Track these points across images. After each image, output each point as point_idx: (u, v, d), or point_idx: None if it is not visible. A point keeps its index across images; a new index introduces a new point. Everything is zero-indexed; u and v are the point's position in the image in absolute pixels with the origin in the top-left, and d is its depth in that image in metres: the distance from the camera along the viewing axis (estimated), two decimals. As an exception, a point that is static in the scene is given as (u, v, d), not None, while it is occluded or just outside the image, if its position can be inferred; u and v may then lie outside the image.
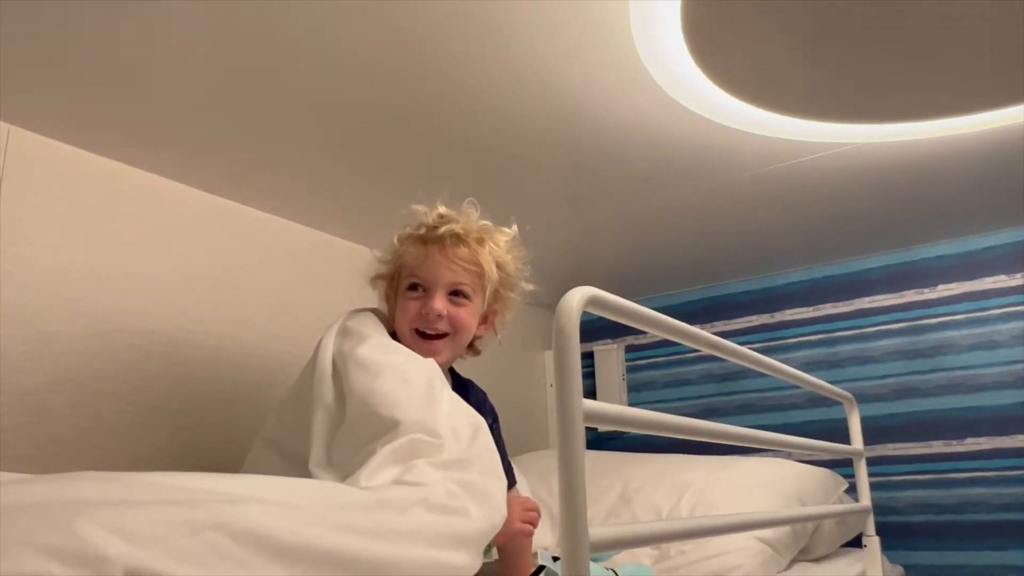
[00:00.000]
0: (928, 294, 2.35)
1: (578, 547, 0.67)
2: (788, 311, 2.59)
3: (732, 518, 1.10)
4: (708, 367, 2.69)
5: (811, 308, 2.55)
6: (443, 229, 1.24)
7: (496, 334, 1.38)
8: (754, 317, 2.65)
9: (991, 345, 2.23)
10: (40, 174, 1.45)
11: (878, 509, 1.93)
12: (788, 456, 2.26)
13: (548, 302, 0.88)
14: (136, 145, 1.53)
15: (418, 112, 1.47)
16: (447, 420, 1.03)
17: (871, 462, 2.23)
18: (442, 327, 1.25)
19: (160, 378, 1.59)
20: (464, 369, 1.41)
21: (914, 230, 2.27)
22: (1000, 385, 2.19)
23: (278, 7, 1.14)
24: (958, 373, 2.26)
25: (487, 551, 1.08)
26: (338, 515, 0.73)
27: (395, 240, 1.31)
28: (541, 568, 1.21)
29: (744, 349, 1.19)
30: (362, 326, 1.19)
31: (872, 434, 2.24)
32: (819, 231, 2.24)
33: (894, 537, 2.21)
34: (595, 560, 1.48)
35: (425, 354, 1.18)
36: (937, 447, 2.26)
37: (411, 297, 1.26)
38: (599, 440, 2.77)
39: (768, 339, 2.59)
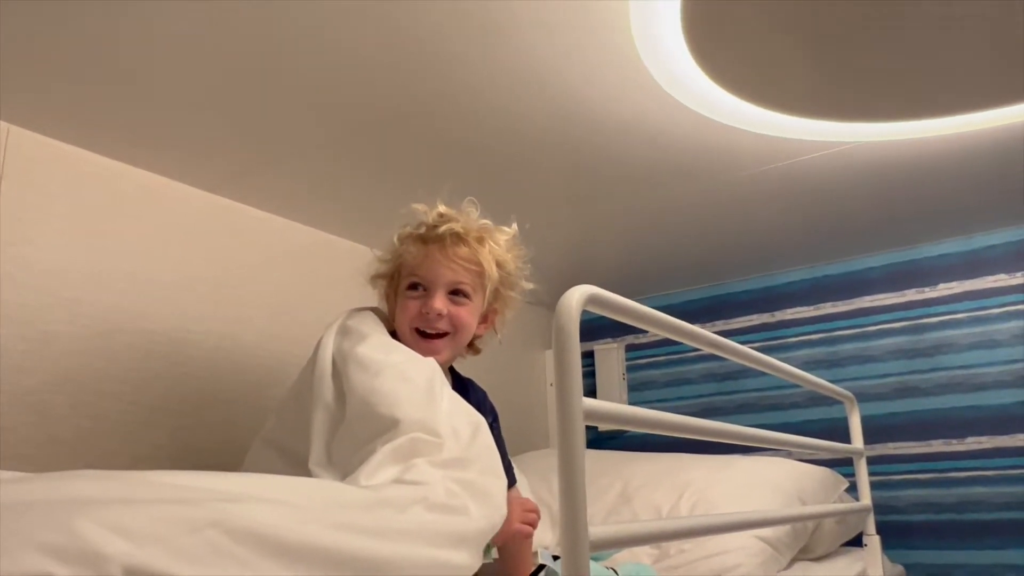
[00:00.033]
0: (928, 293, 2.35)
1: (578, 546, 0.67)
2: (788, 310, 2.59)
3: (732, 517, 1.10)
4: (708, 366, 2.69)
5: (811, 307, 2.55)
6: (443, 228, 1.24)
7: (496, 333, 1.38)
8: (754, 316, 2.65)
9: (991, 344, 2.22)
10: (40, 173, 1.46)
11: (878, 508, 1.93)
12: (788, 455, 2.26)
13: (548, 301, 0.88)
14: (136, 145, 1.53)
15: (418, 112, 1.47)
16: (447, 419, 1.03)
17: (871, 461, 2.23)
18: (442, 326, 1.25)
19: (160, 378, 1.59)
20: (464, 368, 1.41)
21: (914, 229, 2.27)
22: (1000, 384, 2.19)
23: (278, 7, 1.14)
24: (958, 372, 2.26)
25: (487, 551, 1.08)
26: (338, 514, 0.73)
27: (395, 239, 1.31)
28: (541, 567, 1.21)
29: (744, 348, 1.19)
30: (362, 325, 1.19)
31: (872, 433, 2.24)
32: (819, 230, 2.24)
33: (894, 536, 2.21)
34: (595, 559, 1.48)
35: (425, 353, 1.18)
36: (937, 446, 2.26)
37: (411, 296, 1.26)
38: (599, 439, 2.77)
39: (768, 338, 2.59)
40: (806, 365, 2.46)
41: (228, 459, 1.52)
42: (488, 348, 1.40)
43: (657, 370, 2.80)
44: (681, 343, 1.04)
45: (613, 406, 0.77)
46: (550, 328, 0.74)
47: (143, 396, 1.55)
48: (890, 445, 2.32)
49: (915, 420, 2.30)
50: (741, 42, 1.29)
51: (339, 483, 0.92)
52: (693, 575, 1.57)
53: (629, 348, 2.86)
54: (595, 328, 2.86)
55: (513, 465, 1.42)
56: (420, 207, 1.30)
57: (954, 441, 2.23)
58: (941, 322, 2.31)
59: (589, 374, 2.85)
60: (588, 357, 2.86)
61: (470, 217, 1.29)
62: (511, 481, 1.28)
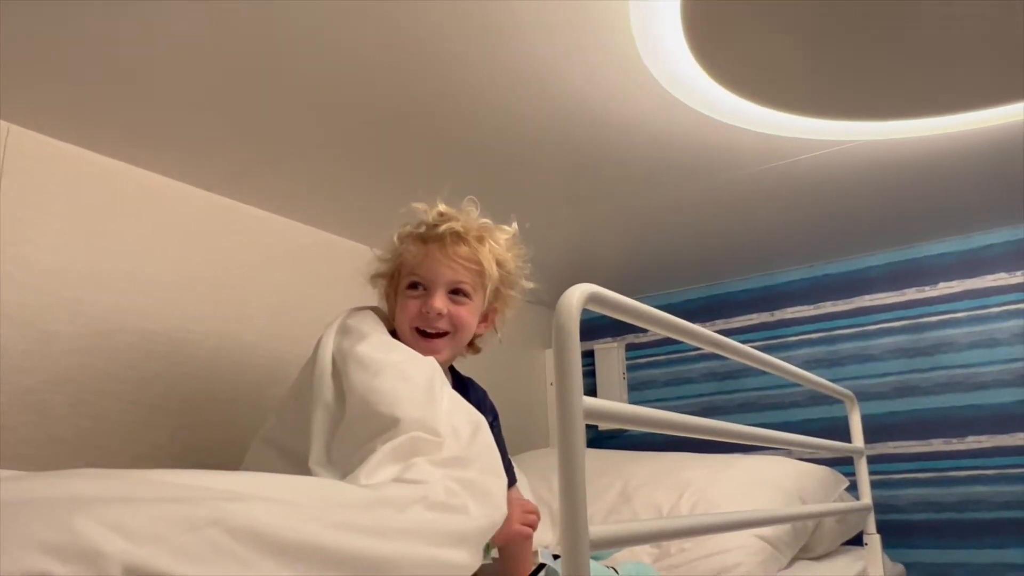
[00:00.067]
0: (928, 292, 2.35)
1: (578, 545, 0.67)
2: (789, 309, 2.59)
3: (732, 516, 1.10)
4: (708, 365, 2.68)
5: (812, 306, 2.55)
6: (443, 227, 1.24)
7: (496, 332, 1.38)
8: (754, 315, 2.65)
9: (991, 343, 2.22)
10: (40, 173, 1.46)
11: (879, 507, 1.93)
12: (789, 454, 2.26)
13: (548, 300, 0.88)
14: (136, 144, 1.53)
15: (418, 112, 1.47)
16: (447, 418, 1.03)
17: (872, 460, 2.23)
18: (442, 326, 1.25)
19: (160, 377, 1.59)
20: (464, 367, 1.41)
21: (914, 228, 2.27)
22: (1000, 383, 2.19)
23: (278, 7, 1.14)
24: (958, 371, 2.26)
25: (486, 551, 1.08)
26: (338, 513, 0.74)
27: (395, 238, 1.31)
28: (541, 566, 1.21)
29: (745, 347, 1.19)
30: (362, 324, 1.19)
31: (873, 432, 2.24)
32: (819, 229, 2.24)
33: (895, 535, 2.21)
34: (595, 558, 1.48)
35: (425, 352, 1.18)
36: (937, 445, 2.26)
37: (411, 296, 1.26)
38: (599, 438, 2.77)
39: (769, 337, 2.59)
40: (806, 364, 2.46)
41: (228, 458, 1.52)
42: (488, 347, 1.40)
43: (657, 369, 2.80)
44: (681, 342, 1.04)
45: (613, 405, 0.77)
46: (550, 327, 0.74)
47: (143, 396, 1.55)
48: (890, 444, 2.32)
49: (915, 419, 2.30)
50: (741, 41, 1.30)
51: (339, 482, 0.92)
52: (693, 574, 1.57)
53: (629, 347, 2.86)
54: (595, 327, 2.86)
55: (513, 464, 1.42)
56: (420, 206, 1.29)
57: (954, 440, 2.23)
58: (941, 321, 2.31)
59: (589, 373, 2.85)
60: (588, 356, 2.86)
61: (470, 216, 1.29)
62: (511, 480, 1.28)
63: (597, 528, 0.69)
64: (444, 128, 1.54)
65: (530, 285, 1.36)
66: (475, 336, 1.33)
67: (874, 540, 1.72)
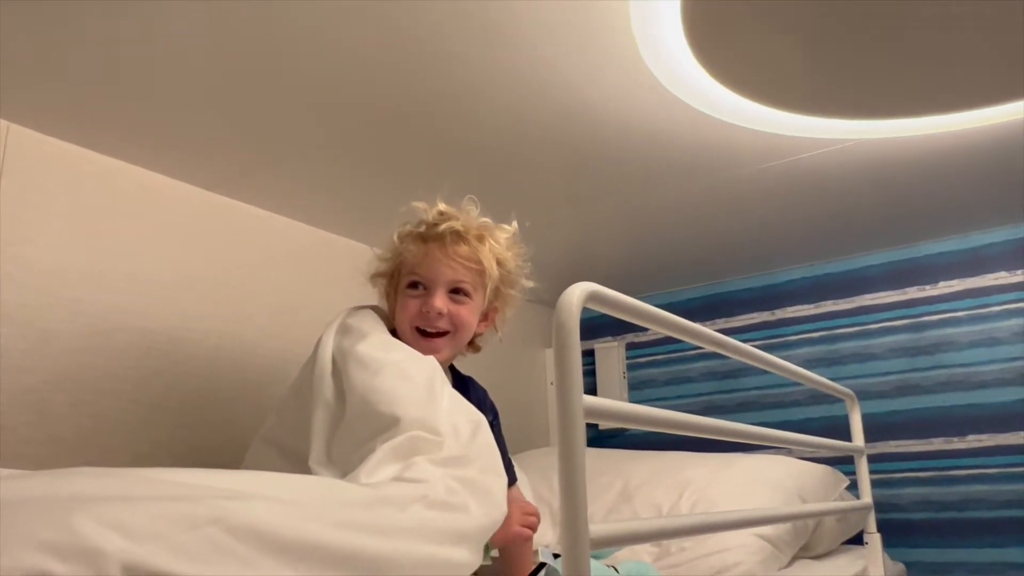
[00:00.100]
0: (929, 291, 2.35)
1: (578, 544, 0.67)
2: (789, 308, 2.59)
3: (733, 515, 1.10)
4: (709, 364, 2.68)
5: (812, 305, 2.55)
6: (443, 226, 1.24)
7: (497, 331, 1.38)
8: (755, 314, 2.65)
9: (992, 342, 2.22)
10: (40, 172, 1.46)
11: (879, 506, 1.93)
12: (789, 453, 2.26)
13: (549, 299, 0.88)
14: (136, 143, 1.53)
15: (418, 111, 1.47)
16: (447, 417, 1.03)
17: (872, 459, 2.24)
18: (443, 325, 1.25)
19: (160, 376, 1.59)
20: (464, 366, 1.41)
21: (915, 226, 2.27)
22: (1001, 382, 2.19)
23: (278, 7, 1.14)
24: (959, 370, 2.26)
25: (486, 552, 1.08)
26: (338, 511, 0.74)
27: (395, 237, 1.31)
28: (542, 565, 1.21)
29: (745, 346, 1.19)
30: (362, 323, 1.19)
31: (873, 431, 2.24)
32: (820, 228, 2.24)
33: (895, 534, 2.21)
34: (596, 557, 1.48)
35: (425, 352, 1.18)
36: (938, 444, 2.26)
37: (411, 295, 1.26)
38: (600, 438, 2.77)
39: (769, 336, 2.59)
40: (807, 363, 2.46)
41: (228, 457, 1.52)
42: (488, 346, 1.40)
43: (657, 368, 2.80)
44: (682, 341, 1.04)
45: (613, 403, 0.77)
46: (550, 326, 0.74)
47: (143, 395, 1.55)
48: (891, 443, 2.32)
49: (916, 418, 2.30)
50: (741, 41, 1.29)
51: (339, 481, 0.92)
52: (694, 573, 1.57)
53: (629, 346, 2.86)
54: (595, 326, 2.86)
55: (513, 463, 1.42)
56: (420, 205, 1.29)
57: (955, 439, 2.23)
58: (941, 320, 2.31)
59: (590, 372, 2.85)
60: (589, 356, 2.86)
61: (470, 215, 1.29)
62: (511, 479, 1.28)
63: (597, 527, 0.69)
64: (444, 127, 1.54)
65: (530, 284, 1.36)
66: (475, 335, 1.33)
67: (874, 539, 1.72)
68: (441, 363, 1.19)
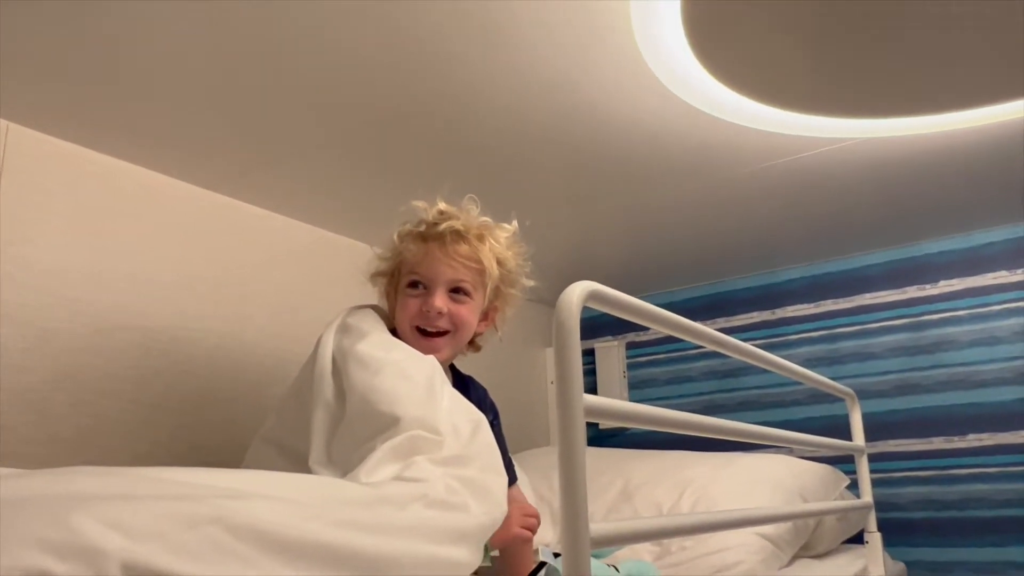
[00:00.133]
0: (929, 290, 2.35)
1: (579, 543, 0.67)
2: (789, 307, 2.59)
3: (733, 514, 1.10)
4: (709, 364, 2.68)
5: (812, 304, 2.55)
6: (443, 226, 1.24)
7: (497, 331, 1.38)
8: (755, 313, 2.65)
9: (992, 341, 2.22)
10: (40, 171, 1.46)
11: (879, 505, 1.93)
12: (790, 452, 2.26)
13: (549, 298, 0.88)
14: (136, 143, 1.53)
15: (418, 111, 1.47)
16: (447, 417, 1.03)
17: (872, 458, 2.24)
18: (443, 325, 1.25)
19: (160, 376, 1.59)
20: (465, 365, 1.41)
21: (915, 226, 2.27)
22: (1001, 381, 2.19)
23: (278, 7, 1.14)
24: (959, 369, 2.26)
25: (486, 553, 1.08)
26: (338, 511, 0.73)
27: (395, 237, 1.31)
28: (542, 564, 1.21)
29: (746, 345, 1.19)
30: (362, 323, 1.19)
31: (873, 430, 2.24)
32: (821, 227, 2.24)
33: (896, 533, 2.21)
34: (596, 556, 1.48)
35: (425, 351, 1.18)
36: (938, 443, 2.26)
37: (411, 294, 1.26)
38: (600, 437, 2.77)
39: (769, 335, 2.59)
40: (807, 362, 2.46)
41: (228, 457, 1.52)
42: (489, 345, 1.40)
43: (658, 368, 2.80)
44: (682, 340, 1.04)
45: (614, 402, 0.77)
46: (551, 325, 0.74)
47: (143, 394, 1.55)
48: (891, 442, 2.32)
49: (916, 417, 2.30)
50: (741, 40, 1.29)
51: (340, 480, 0.92)
52: (694, 572, 1.57)
53: (630, 346, 2.86)
54: (596, 325, 2.86)
55: (514, 463, 1.42)
56: (420, 204, 1.29)
57: (955, 438, 2.23)
58: (942, 319, 2.31)
59: (590, 372, 2.85)
60: (589, 355, 2.86)
61: (470, 214, 1.29)
62: (512, 478, 1.28)
63: (598, 526, 0.69)
64: (444, 127, 1.54)
65: (531, 283, 1.36)
66: (475, 335, 1.33)
67: (875, 538, 1.72)
68: (441, 362, 1.19)
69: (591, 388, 2.78)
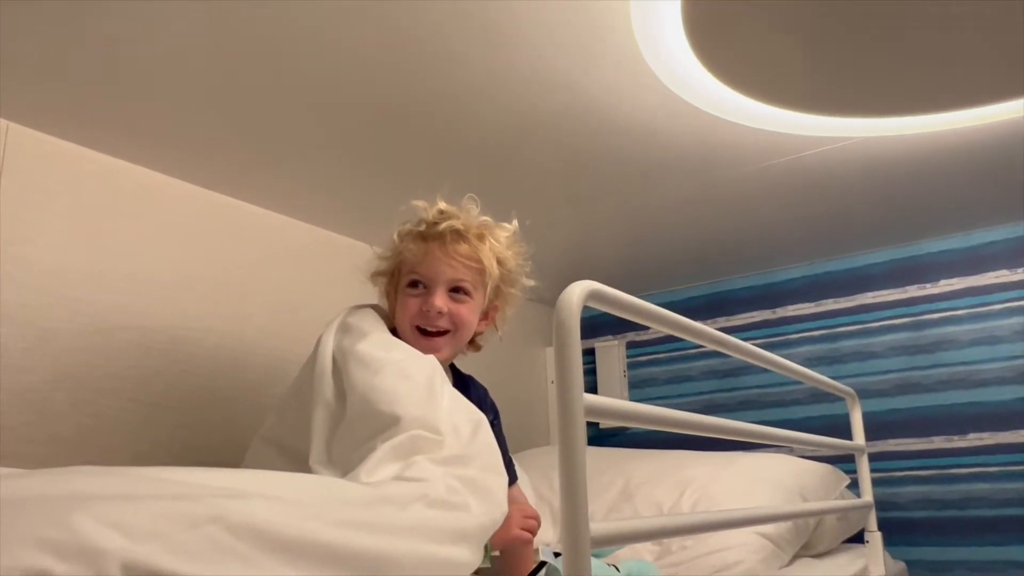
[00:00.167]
0: (930, 289, 2.35)
1: (579, 542, 0.67)
2: (790, 307, 2.59)
3: (734, 513, 1.10)
4: (709, 363, 2.68)
5: (813, 304, 2.55)
6: (443, 225, 1.24)
7: (497, 330, 1.38)
8: (756, 313, 2.65)
9: (993, 340, 2.22)
10: (40, 171, 1.46)
11: (880, 505, 1.93)
12: (790, 452, 2.26)
13: (549, 298, 0.88)
14: (136, 142, 1.53)
15: (419, 111, 1.47)
16: (448, 416, 1.03)
17: (873, 458, 2.24)
18: (443, 324, 1.25)
19: (160, 375, 1.59)
20: (465, 365, 1.41)
21: (916, 225, 2.27)
22: (1001, 380, 2.19)
23: (278, 7, 1.14)
24: (960, 368, 2.26)
25: (486, 554, 1.08)
26: (339, 510, 0.73)
27: (395, 236, 1.31)
28: (543, 564, 1.21)
29: (746, 344, 1.19)
30: (362, 322, 1.19)
31: (874, 430, 2.24)
32: (821, 226, 2.24)
33: (896, 533, 2.21)
34: (596, 556, 1.48)
35: (426, 351, 1.18)
36: (939, 443, 2.26)
37: (411, 294, 1.26)
38: (600, 436, 2.77)
39: (770, 335, 2.59)
40: (807, 361, 2.46)
41: (228, 457, 1.52)
42: (489, 345, 1.40)
43: (658, 367, 2.80)
44: (682, 340, 1.04)
45: (614, 402, 0.77)
46: (551, 325, 0.74)
47: (143, 394, 1.55)
48: (891, 441, 2.32)
49: (916, 416, 2.30)
50: (742, 40, 1.29)
51: (340, 480, 0.92)
52: (695, 572, 1.57)
53: (630, 345, 2.86)
54: (596, 325, 2.86)
55: (514, 462, 1.42)
56: (420, 204, 1.29)
57: (955, 437, 2.23)
58: (942, 318, 2.31)
59: (590, 371, 2.85)
60: (589, 354, 2.86)
61: (470, 214, 1.29)
62: (512, 478, 1.28)
63: (598, 525, 0.69)
64: (444, 127, 1.54)
65: (531, 283, 1.36)
66: (476, 334, 1.33)
67: (875, 538, 1.72)
68: (441, 362, 1.19)
69: (591, 387, 2.78)
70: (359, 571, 0.70)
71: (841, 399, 1.78)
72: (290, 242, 1.94)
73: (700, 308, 2.74)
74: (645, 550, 1.68)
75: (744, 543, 1.60)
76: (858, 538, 1.92)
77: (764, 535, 1.64)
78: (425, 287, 1.25)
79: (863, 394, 2.17)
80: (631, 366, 2.85)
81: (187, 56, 1.26)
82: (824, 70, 1.39)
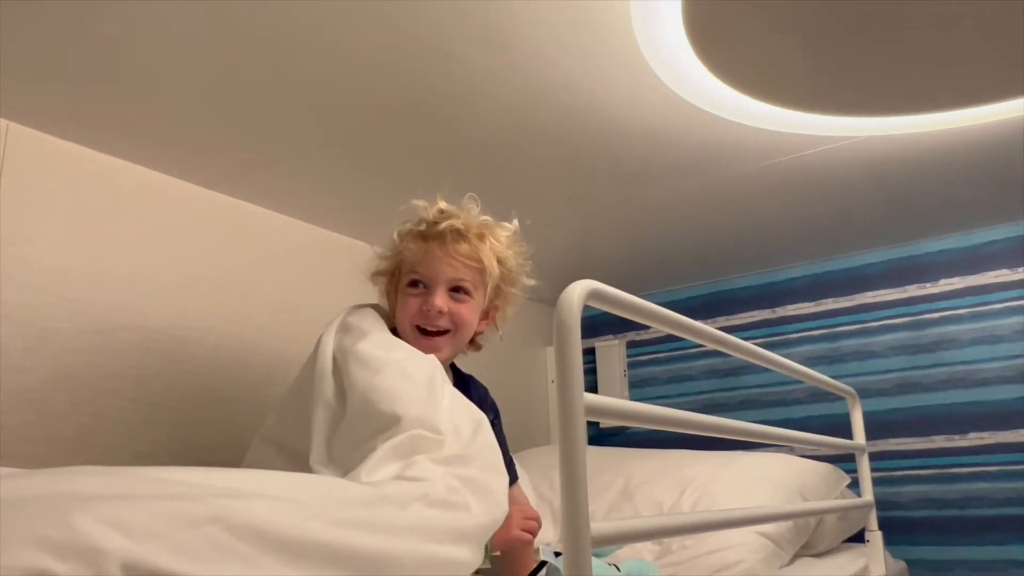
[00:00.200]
0: (930, 288, 2.35)
1: (580, 542, 0.67)
2: (790, 306, 2.59)
3: (734, 513, 1.10)
4: (710, 363, 2.68)
5: (813, 303, 2.55)
6: (443, 225, 1.24)
7: (497, 330, 1.38)
8: (756, 312, 2.65)
9: (993, 340, 2.22)
10: (40, 170, 1.46)
11: (880, 504, 1.93)
12: (790, 451, 2.26)
13: (549, 297, 0.88)
14: (136, 142, 1.53)
15: (419, 111, 1.47)
16: (448, 416, 1.03)
17: (873, 457, 2.24)
18: (443, 324, 1.25)
19: (160, 375, 1.59)
20: (465, 364, 1.41)
21: (916, 224, 2.26)
22: (1002, 380, 2.19)
23: (278, 7, 1.14)
24: (960, 368, 2.26)
25: (486, 554, 1.08)
26: (339, 510, 0.73)
27: (395, 236, 1.31)
28: (543, 563, 1.21)
29: (746, 344, 1.19)
30: (362, 322, 1.19)
31: (874, 429, 2.24)
32: (821, 225, 2.24)
33: (897, 532, 2.21)
34: (597, 555, 1.48)
35: (426, 350, 1.18)
36: (939, 442, 2.26)
37: (412, 294, 1.26)
38: (601, 436, 2.77)
39: (770, 334, 2.59)
40: (808, 361, 2.46)
41: (228, 456, 1.52)
42: (489, 344, 1.40)
43: (658, 367, 2.80)
44: (682, 339, 1.04)
45: (614, 401, 0.77)
46: (551, 324, 0.74)
47: (143, 394, 1.55)
48: (892, 441, 2.32)
49: (917, 416, 2.30)
50: (742, 40, 1.29)
51: (340, 480, 0.92)
52: (695, 571, 1.57)
53: (630, 344, 2.86)
54: (597, 324, 2.86)
55: (515, 461, 1.42)
56: (420, 203, 1.29)
57: (956, 437, 2.23)
58: (942, 318, 2.31)
59: (590, 371, 2.85)
60: (589, 354, 2.86)
61: (471, 213, 1.29)
62: (512, 478, 1.28)
63: (599, 525, 0.69)
64: (445, 126, 1.54)
65: (531, 282, 1.36)
66: (476, 334, 1.33)
67: (876, 537, 1.72)
68: (442, 361, 1.19)
69: (592, 387, 2.78)
70: (359, 571, 0.70)
71: (841, 398, 1.78)
72: (290, 242, 1.94)
73: (700, 307, 2.74)
74: (645, 549, 1.68)
75: (744, 542, 1.60)
76: (859, 537, 1.92)
77: (764, 534, 1.64)
78: (425, 287, 1.25)
79: (863, 393, 2.17)
80: (631, 365, 2.85)
81: (187, 56, 1.25)
82: (824, 69, 1.39)
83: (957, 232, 2.33)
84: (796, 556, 1.79)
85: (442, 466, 0.92)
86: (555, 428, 2.67)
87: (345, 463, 1.00)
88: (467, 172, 1.70)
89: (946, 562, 2.19)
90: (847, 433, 1.77)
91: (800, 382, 2.32)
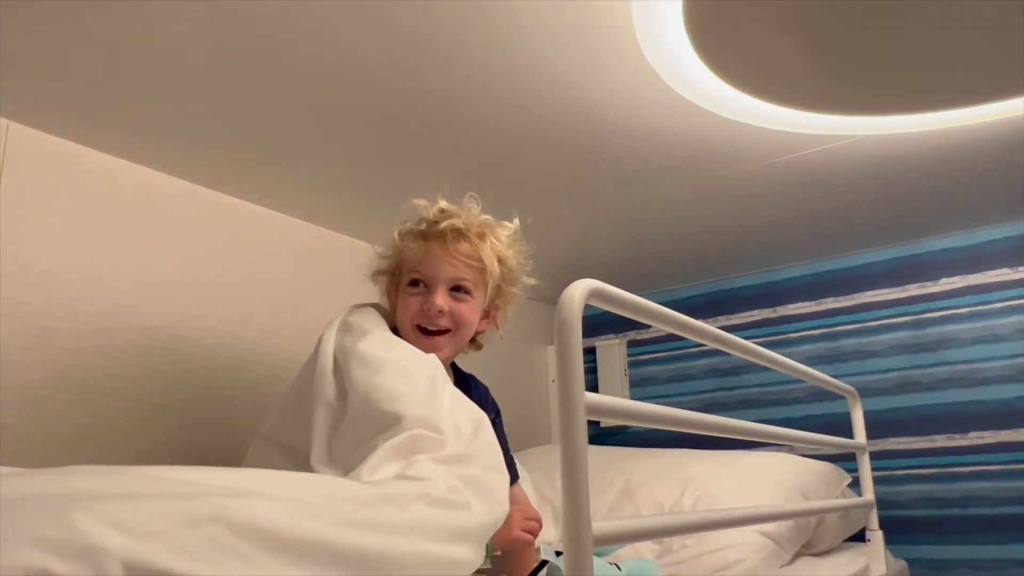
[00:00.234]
0: (931, 288, 2.35)
1: (581, 541, 0.67)
2: (790, 305, 2.59)
3: (735, 512, 1.10)
4: (710, 362, 2.68)
5: (813, 302, 2.54)
6: (444, 224, 1.24)
7: (498, 329, 1.38)
8: (756, 312, 2.65)
9: (994, 339, 2.22)
10: (40, 170, 1.46)
11: (881, 503, 1.93)
12: (791, 450, 2.26)
13: (550, 297, 0.88)
14: (136, 142, 1.53)
15: (419, 110, 1.47)
16: (449, 415, 1.03)
17: (874, 456, 2.23)
18: (444, 323, 1.25)
19: (160, 375, 1.59)
20: (466, 364, 1.41)
21: (916, 223, 2.26)
22: (1003, 379, 2.19)
23: (278, 7, 1.14)
24: (961, 367, 2.26)
25: (487, 554, 1.08)
26: (340, 509, 0.73)
27: (396, 235, 1.31)
28: (544, 563, 1.21)
29: (747, 343, 1.19)
30: (363, 321, 1.19)
31: (875, 428, 2.24)
32: (822, 224, 2.24)
33: (897, 531, 2.21)
34: (598, 554, 1.48)
35: (427, 350, 1.18)
36: (940, 441, 2.26)
37: (412, 293, 1.26)
38: (601, 435, 2.77)
39: (770, 334, 2.59)
40: (808, 360, 2.46)
41: (229, 456, 1.52)
42: (490, 344, 1.40)
43: (659, 366, 2.80)
44: (683, 339, 1.04)
45: (615, 400, 0.77)
46: (552, 324, 0.74)
47: (143, 393, 1.55)
48: (892, 440, 2.32)
49: (917, 415, 2.30)
50: (743, 39, 1.29)
51: (341, 479, 0.92)
52: (696, 570, 1.57)
53: (631, 344, 2.86)
54: (597, 323, 2.86)
55: (515, 461, 1.42)
56: (421, 203, 1.29)
57: (956, 436, 2.23)
58: (943, 317, 2.31)
59: (591, 370, 2.85)
60: (590, 353, 2.86)
61: (471, 213, 1.29)
62: (513, 477, 1.28)
63: (600, 524, 0.69)
64: (445, 126, 1.54)
65: (532, 282, 1.36)
66: (477, 333, 1.33)
67: (876, 536, 1.72)
68: (442, 361, 1.19)
69: (592, 386, 2.77)
70: (360, 570, 0.70)
71: (842, 398, 1.78)
72: (290, 241, 1.94)
73: (701, 307, 2.74)
74: (646, 549, 1.68)
75: (745, 542, 1.60)
76: (859, 537, 1.92)
77: (765, 534, 1.64)
78: (426, 286, 1.25)
79: (864, 392, 2.17)
80: (632, 364, 2.85)
81: (187, 56, 1.25)
82: (825, 69, 1.39)
83: (958, 231, 2.33)
84: (797, 555, 1.79)
85: (443, 465, 0.92)
86: (556, 427, 2.67)
87: (346, 462, 1.00)
88: (467, 171, 1.70)
89: (947, 561, 2.19)
90: (848, 432, 1.77)
91: (801, 381, 2.32)
